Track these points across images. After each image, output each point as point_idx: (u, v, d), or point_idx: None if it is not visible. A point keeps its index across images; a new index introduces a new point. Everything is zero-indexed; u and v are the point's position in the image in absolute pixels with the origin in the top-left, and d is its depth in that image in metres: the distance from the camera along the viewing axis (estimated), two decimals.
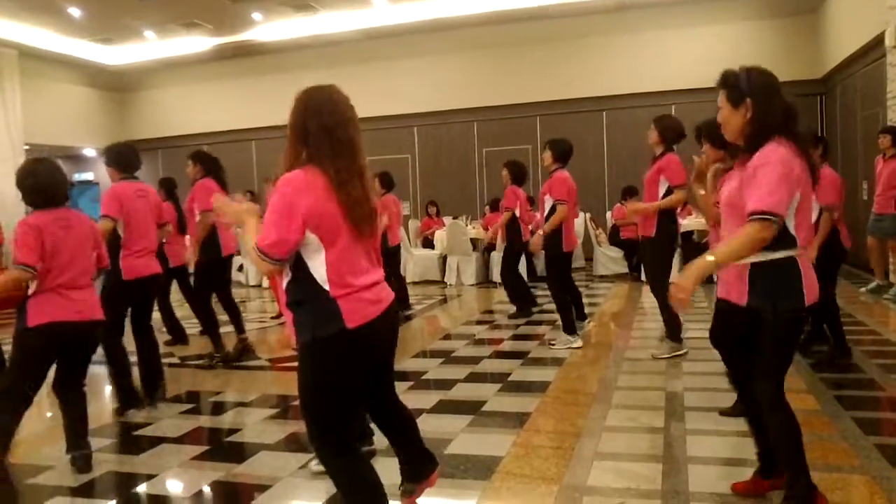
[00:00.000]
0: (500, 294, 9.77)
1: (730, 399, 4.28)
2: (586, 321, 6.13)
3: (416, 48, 13.41)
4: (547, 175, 6.12)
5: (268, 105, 12.71)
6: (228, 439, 4.16)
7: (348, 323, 2.26)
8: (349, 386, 2.34)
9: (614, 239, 11.14)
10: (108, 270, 4.53)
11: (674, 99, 11.80)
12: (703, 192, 3.68)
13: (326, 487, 3.19)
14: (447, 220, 11.86)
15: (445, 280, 11.25)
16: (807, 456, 2.61)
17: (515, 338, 6.73)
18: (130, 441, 4.15)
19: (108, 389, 5.13)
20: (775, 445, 2.66)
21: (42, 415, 4.72)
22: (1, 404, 3.55)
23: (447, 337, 6.99)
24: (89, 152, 16.09)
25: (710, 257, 2.44)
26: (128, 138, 15.53)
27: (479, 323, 7.64)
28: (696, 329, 5.87)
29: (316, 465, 3.39)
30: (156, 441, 4.10)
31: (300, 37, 13.21)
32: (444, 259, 11.43)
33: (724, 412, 4.06)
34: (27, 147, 12.61)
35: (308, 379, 2.34)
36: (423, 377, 5.34)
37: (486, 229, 11.37)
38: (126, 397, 4.70)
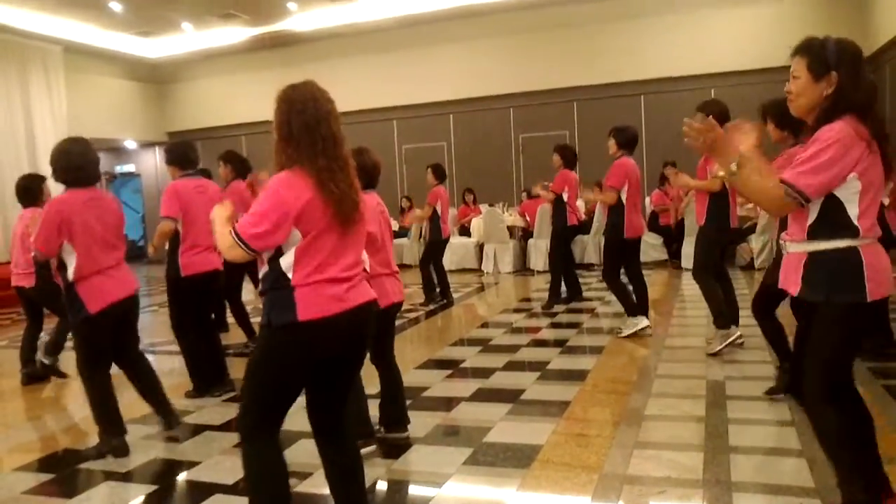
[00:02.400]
0: (538, 282, 9.74)
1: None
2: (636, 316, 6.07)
3: (452, 35, 13.33)
4: (610, 161, 6.12)
5: None
6: None
7: (301, 315, 2.28)
8: (287, 376, 2.41)
9: (653, 225, 10.98)
10: (167, 268, 4.68)
11: (713, 82, 11.54)
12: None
13: (367, 475, 3.21)
14: (484, 207, 11.83)
15: (482, 268, 11.24)
16: None
17: (554, 326, 6.70)
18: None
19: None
20: (820, 442, 2.50)
21: None
22: (93, 392, 3.78)
23: (485, 325, 6.98)
24: (130, 144, 16.38)
25: (734, 166, 2.32)
26: (167, 130, 15.86)
27: (516, 311, 7.62)
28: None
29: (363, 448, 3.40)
30: (200, 429, 4.18)
31: (335, 25, 13.23)
32: (480, 247, 11.42)
33: (771, 390, 4.10)
34: None
35: (256, 357, 2.46)
36: (462, 365, 5.36)
37: (522, 216, 11.33)
38: (201, 382, 4.85)
